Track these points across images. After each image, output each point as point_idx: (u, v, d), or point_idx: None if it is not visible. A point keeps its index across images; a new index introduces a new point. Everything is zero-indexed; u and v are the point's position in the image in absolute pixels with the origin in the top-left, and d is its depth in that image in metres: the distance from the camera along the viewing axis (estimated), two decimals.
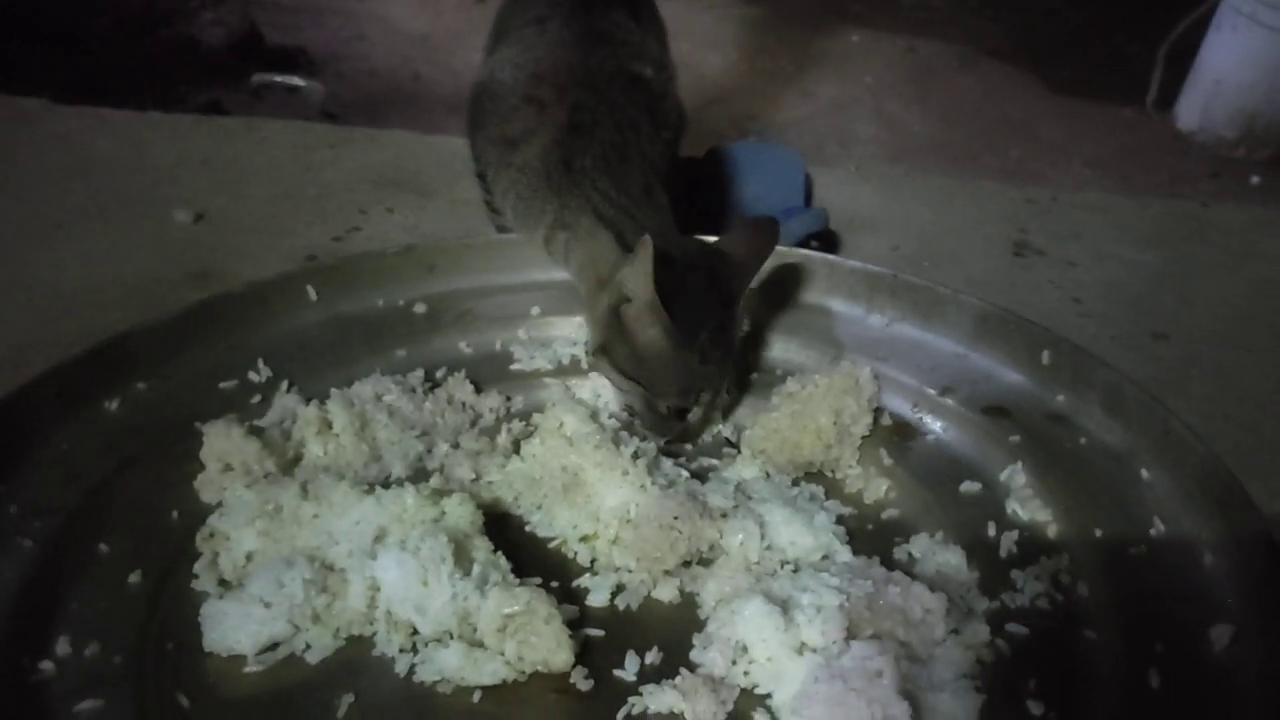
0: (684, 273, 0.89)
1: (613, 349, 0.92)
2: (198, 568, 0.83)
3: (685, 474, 0.92)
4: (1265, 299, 1.34)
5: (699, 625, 0.80)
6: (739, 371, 1.06)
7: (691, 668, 0.76)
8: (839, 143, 3.44)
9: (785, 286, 1.11)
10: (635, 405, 0.96)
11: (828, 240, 1.36)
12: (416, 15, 3.64)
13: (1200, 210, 1.59)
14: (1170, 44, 3.67)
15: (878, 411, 1.00)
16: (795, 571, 0.83)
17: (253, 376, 0.99)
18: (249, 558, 0.83)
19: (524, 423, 1.00)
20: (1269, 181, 3.50)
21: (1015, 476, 0.92)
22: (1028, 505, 0.90)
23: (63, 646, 0.75)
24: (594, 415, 0.93)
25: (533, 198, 1.04)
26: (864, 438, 0.98)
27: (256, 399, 0.98)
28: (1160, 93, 3.78)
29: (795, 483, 0.95)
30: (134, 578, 0.81)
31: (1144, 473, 0.89)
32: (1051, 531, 0.88)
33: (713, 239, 0.98)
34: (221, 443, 0.89)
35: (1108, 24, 4.30)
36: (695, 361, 0.90)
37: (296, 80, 2.57)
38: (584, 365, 1.07)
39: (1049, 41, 4.15)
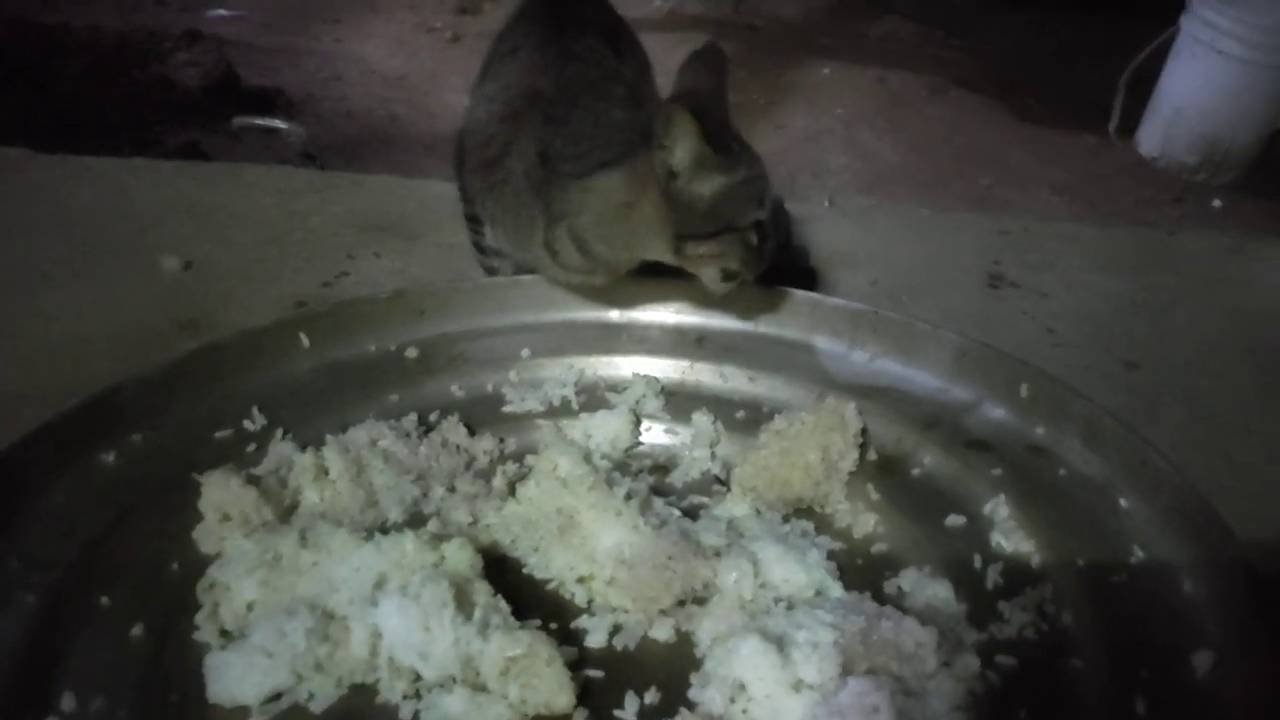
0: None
1: (688, 225, 0.98)
2: (199, 619, 0.83)
3: (677, 513, 0.94)
4: (1233, 326, 1.38)
5: (696, 664, 0.82)
6: (728, 407, 1.08)
7: (690, 706, 0.78)
8: (812, 174, 3.49)
9: (769, 324, 1.14)
10: (732, 259, 1.00)
11: (806, 277, 1.39)
12: (393, 56, 3.68)
13: (1167, 239, 1.64)
14: (1131, 72, 3.77)
15: (863, 447, 1.02)
16: (789, 609, 0.84)
17: (247, 425, 1.00)
18: (250, 607, 0.84)
19: (518, 464, 1.02)
20: (1230, 205, 3.59)
21: (999, 509, 0.94)
22: (1011, 537, 0.92)
23: (68, 701, 0.75)
24: (587, 457, 0.95)
25: (519, 207, 1.06)
26: (851, 473, 1.00)
27: (252, 447, 0.98)
28: (1122, 120, 3.88)
29: (785, 519, 0.97)
30: (136, 630, 0.81)
31: (1122, 502, 0.91)
32: (1035, 562, 0.90)
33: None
34: (220, 493, 0.90)
35: (1070, 54, 4.41)
36: (746, 170, 0.98)
37: (278, 123, 2.57)
38: (574, 406, 1.09)
39: (1015, 71, 4.25)
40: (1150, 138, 3.79)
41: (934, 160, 3.75)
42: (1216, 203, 3.59)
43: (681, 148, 0.94)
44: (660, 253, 1.02)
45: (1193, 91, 3.57)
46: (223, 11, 3.81)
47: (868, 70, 4.14)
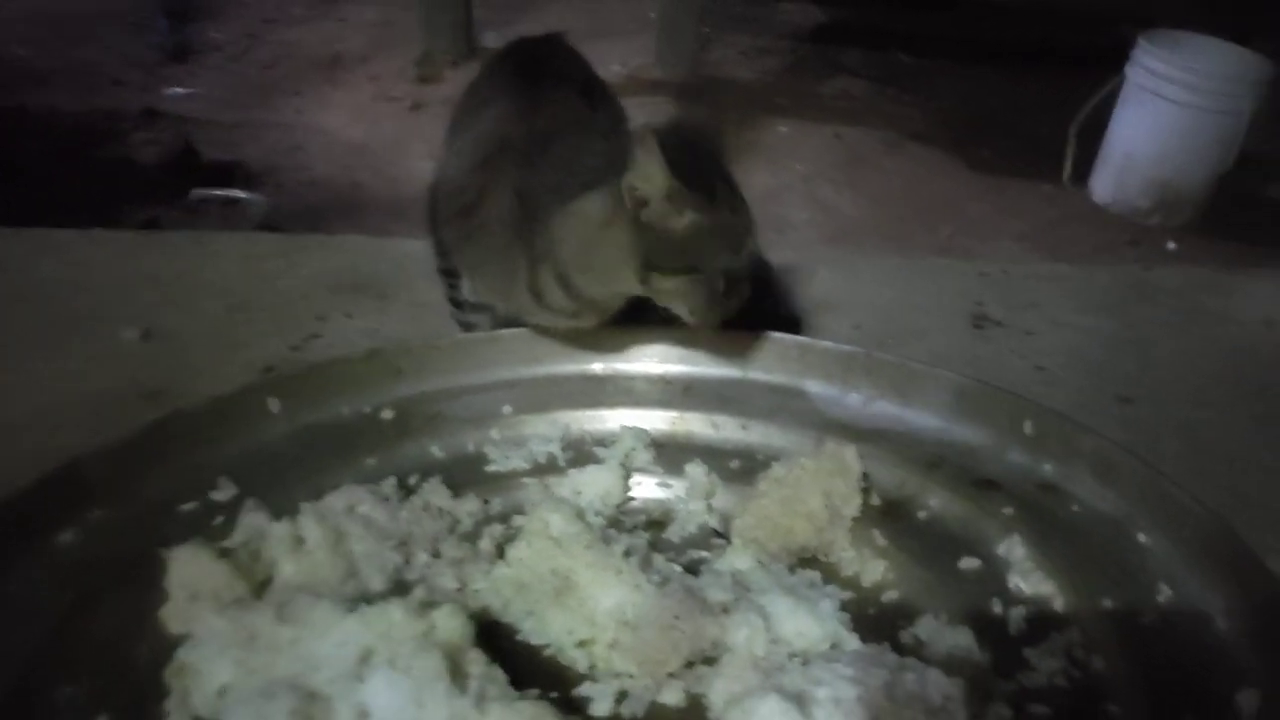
0: (670, 146, 0.92)
1: (656, 256, 0.94)
2: (169, 705, 0.76)
3: (678, 569, 0.89)
4: (1218, 356, 1.38)
5: None
6: (722, 456, 1.04)
7: None
8: (775, 230, 3.51)
9: (758, 370, 1.11)
10: (693, 301, 0.97)
11: (789, 323, 1.36)
12: (354, 124, 3.68)
13: (1144, 274, 1.64)
14: (1080, 122, 3.86)
15: (866, 491, 0.98)
16: (805, 664, 0.79)
17: (215, 496, 0.94)
18: (224, 691, 0.77)
19: (505, 526, 0.96)
20: (1185, 247, 3.66)
21: (1014, 549, 0.90)
22: (1030, 578, 0.88)
23: None
24: (580, 514, 0.90)
25: (500, 250, 1.02)
26: (855, 519, 0.96)
27: (220, 519, 0.92)
28: (1074, 168, 3.96)
29: (791, 570, 0.92)
30: None
31: (1141, 537, 0.88)
32: (1058, 604, 0.86)
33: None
34: (188, 569, 0.84)
35: (1019, 107, 4.52)
36: (727, 214, 0.94)
37: (238, 194, 2.54)
38: (561, 462, 1.04)
39: (966, 124, 4.34)
40: (1103, 184, 3.87)
41: (894, 213, 3.79)
42: (1171, 245, 3.66)
43: (649, 174, 0.91)
44: (629, 283, 0.99)
45: (1141, 138, 3.66)
46: (179, 90, 3.79)
47: (824, 127, 4.21)
